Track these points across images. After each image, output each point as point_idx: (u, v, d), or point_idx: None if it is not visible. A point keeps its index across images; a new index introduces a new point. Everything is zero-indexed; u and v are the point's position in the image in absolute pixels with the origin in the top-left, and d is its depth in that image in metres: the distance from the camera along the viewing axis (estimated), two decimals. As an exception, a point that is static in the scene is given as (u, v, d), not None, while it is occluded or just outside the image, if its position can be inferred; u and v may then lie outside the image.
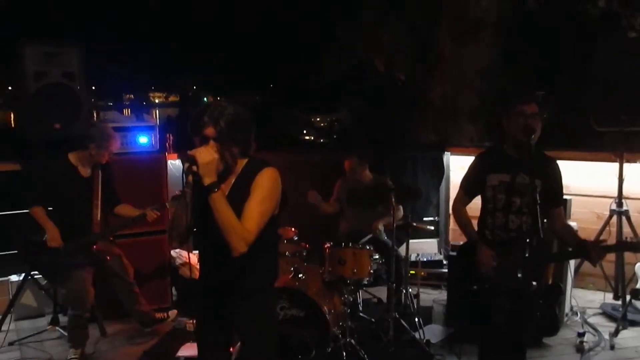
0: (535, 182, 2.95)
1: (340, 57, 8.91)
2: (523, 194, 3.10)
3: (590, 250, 2.93)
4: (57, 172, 4.00)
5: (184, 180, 2.34)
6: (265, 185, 2.44)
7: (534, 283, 2.92)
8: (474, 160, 3.38)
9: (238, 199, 2.42)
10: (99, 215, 4.03)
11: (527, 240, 2.94)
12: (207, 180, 2.30)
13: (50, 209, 4.00)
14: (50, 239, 3.84)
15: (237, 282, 2.51)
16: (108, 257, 4.13)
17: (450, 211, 3.51)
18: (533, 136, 3.01)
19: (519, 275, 2.94)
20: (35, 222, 3.94)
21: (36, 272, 4.70)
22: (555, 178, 3.16)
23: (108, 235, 4.18)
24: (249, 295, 2.54)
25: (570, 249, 3.19)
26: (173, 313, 4.66)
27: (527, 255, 2.93)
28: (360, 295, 4.74)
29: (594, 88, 4.82)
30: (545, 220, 3.06)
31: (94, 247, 4.01)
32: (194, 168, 2.30)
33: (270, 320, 2.68)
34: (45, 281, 4.54)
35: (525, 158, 3.05)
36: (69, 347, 4.06)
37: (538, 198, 2.77)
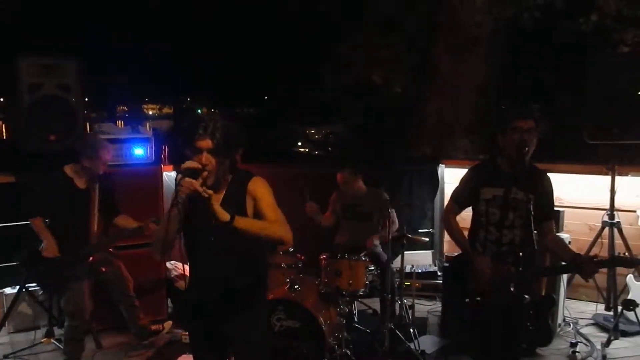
0: (529, 196, 2.96)
1: (337, 71, 8.97)
2: (516, 208, 3.10)
3: (583, 265, 2.92)
4: (53, 184, 4.01)
5: (176, 194, 2.34)
6: (266, 193, 2.53)
7: (527, 297, 2.94)
8: (467, 173, 3.38)
9: (232, 208, 2.44)
10: (95, 227, 4.04)
11: (520, 254, 2.96)
12: (223, 218, 2.31)
13: (49, 220, 3.99)
14: (46, 249, 3.86)
15: (228, 296, 2.52)
16: (103, 269, 4.14)
17: (441, 222, 3.51)
18: (527, 150, 3.00)
19: (512, 289, 2.94)
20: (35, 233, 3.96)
21: (31, 285, 4.69)
22: (546, 192, 3.16)
23: (104, 247, 4.18)
24: (240, 309, 2.56)
25: (562, 264, 3.19)
26: (168, 324, 4.66)
27: (520, 269, 2.94)
28: (356, 307, 4.75)
29: (587, 101, 4.88)
30: (536, 234, 3.06)
31: (91, 258, 4.01)
32: (186, 181, 2.30)
33: (262, 334, 2.68)
34: (41, 293, 4.52)
35: (519, 172, 3.06)
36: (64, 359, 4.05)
37: (532, 211, 2.77)
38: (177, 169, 5.18)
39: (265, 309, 2.79)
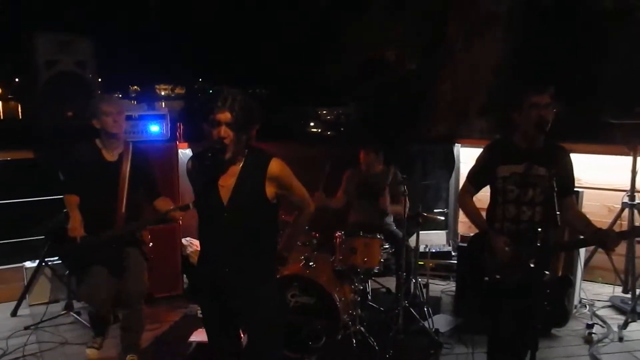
0: (551, 172, 2.89)
1: (351, 49, 8.89)
2: (536, 185, 3.07)
3: (605, 237, 2.90)
4: (82, 156, 3.71)
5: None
6: (288, 176, 2.57)
7: (546, 272, 2.90)
8: (482, 152, 3.33)
9: (248, 188, 2.48)
10: (124, 207, 3.65)
11: (539, 230, 2.89)
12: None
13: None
14: (71, 229, 3.56)
15: (241, 272, 2.53)
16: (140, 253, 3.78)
17: (456, 202, 3.49)
18: (546, 126, 2.98)
19: (531, 265, 2.91)
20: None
21: (51, 259, 4.76)
22: (567, 167, 3.12)
23: (128, 233, 3.68)
24: (252, 284, 2.57)
25: (581, 237, 3.17)
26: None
27: (539, 245, 2.87)
28: (370, 285, 4.77)
29: (608, 81, 4.81)
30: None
31: (114, 244, 3.64)
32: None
33: (274, 309, 2.68)
34: (60, 268, 4.57)
35: (538, 149, 3.06)
36: (91, 334, 4.02)
37: (555, 187, 2.72)
38: (192, 146, 5.23)
39: (278, 284, 2.79)
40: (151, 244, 3.91)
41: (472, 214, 3.31)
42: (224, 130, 2.39)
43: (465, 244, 3.39)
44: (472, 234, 4.71)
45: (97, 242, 3.56)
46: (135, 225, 3.67)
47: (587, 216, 3.16)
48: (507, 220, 3.16)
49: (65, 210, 3.74)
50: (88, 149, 3.71)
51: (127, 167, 3.70)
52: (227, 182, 2.49)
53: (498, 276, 3.10)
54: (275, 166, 2.51)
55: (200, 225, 2.61)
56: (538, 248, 2.84)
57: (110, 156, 3.74)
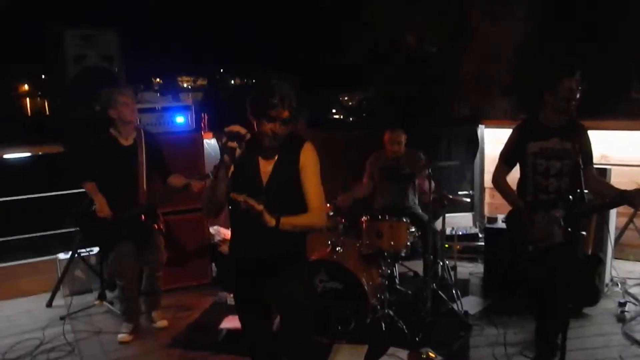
0: (576, 145, 3.16)
1: (370, 34, 8.83)
2: (562, 157, 3.34)
3: (632, 196, 3.06)
4: (99, 144, 4.04)
5: (221, 157, 2.40)
6: (314, 161, 2.59)
7: (583, 233, 3.18)
8: (513, 132, 3.56)
9: (285, 172, 2.55)
10: (145, 185, 4.04)
11: (570, 197, 3.20)
12: (271, 222, 2.39)
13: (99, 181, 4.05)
14: (99, 210, 3.95)
15: (271, 256, 2.57)
16: (156, 226, 4.15)
17: (490, 183, 3.67)
18: (576, 105, 3.25)
19: (569, 229, 3.11)
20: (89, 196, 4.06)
21: (83, 250, 4.88)
22: (588, 140, 3.40)
23: (154, 207, 4.14)
24: (282, 268, 2.60)
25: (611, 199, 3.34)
26: (163, 323, 4.35)
27: (573, 210, 3.13)
28: (397, 270, 4.78)
29: (633, 56, 4.71)
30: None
31: (142, 218, 4.05)
32: (231, 144, 2.36)
33: (305, 292, 2.72)
34: (93, 258, 4.68)
35: (562, 126, 3.35)
36: (122, 320, 4.20)
37: (580, 161, 2.98)
38: (216, 136, 5.28)
39: (307, 268, 2.83)
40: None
41: (507, 192, 3.55)
42: (279, 127, 2.46)
43: (507, 216, 3.63)
44: (498, 215, 4.74)
45: (127, 218, 3.97)
46: (160, 198, 4.11)
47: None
48: (538, 191, 3.42)
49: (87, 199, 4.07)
50: (105, 138, 4.05)
51: (142, 149, 4.08)
52: (267, 167, 2.56)
53: (540, 245, 3.32)
54: (305, 151, 2.57)
55: (236, 210, 2.64)
56: (572, 214, 3.12)
57: (126, 141, 4.08)
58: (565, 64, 3.32)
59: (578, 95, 3.24)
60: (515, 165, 3.56)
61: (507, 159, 3.57)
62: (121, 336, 4.09)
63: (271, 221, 2.39)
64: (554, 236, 3.26)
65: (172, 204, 4.49)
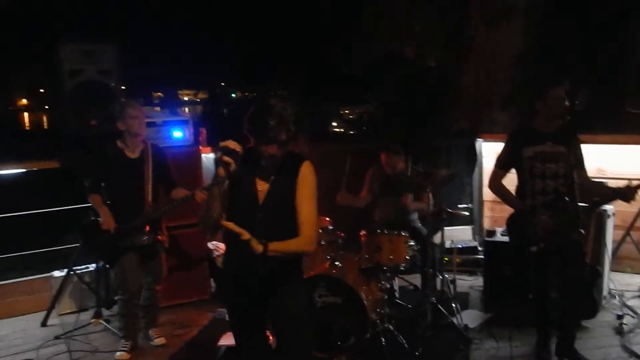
0: (569, 148, 3.48)
1: (369, 47, 8.87)
2: (557, 160, 3.55)
3: (624, 190, 3.39)
4: (106, 155, 4.04)
5: (215, 172, 2.38)
6: (311, 181, 2.57)
7: (582, 231, 3.51)
8: (507, 139, 3.78)
9: (281, 192, 2.53)
10: (150, 197, 4.04)
11: (566, 198, 3.41)
12: (258, 249, 2.35)
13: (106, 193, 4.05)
14: (104, 222, 3.92)
15: (265, 271, 2.54)
16: (159, 238, 4.12)
17: (490, 196, 3.79)
18: (565, 112, 3.53)
19: (569, 227, 3.43)
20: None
21: (79, 267, 4.85)
22: (578, 145, 3.64)
23: (158, 215, 4.09)
24: (278, 283, 2.59)
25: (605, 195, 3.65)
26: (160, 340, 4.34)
27: (571, 209, 3.40)
28: (397, 283, 4.76)
29: (628, 71, 4.75)
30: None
31: (146, 228, 4.02)
32: (226, 158, 2.34)
33: (302, 309, 2.70)
34: (88, 275, 4.64)
35: (555, 131, 3.58)
36: (120, 337, 4.16)
37: (573, 161, 3.36)
38: (215, 150, 5.27)
39: (304, 284, 2.81)
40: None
41: (506, 195, 3.74)
42: (276, 149, 2.45)
43: (509, 220, 3.76)
44: (497, 228, 4.74)
45: (130, 229, 3.96)
46: (164, 208, 4.08)
47: (612, 206, 3.86)
48: (536, 193, 3.59)
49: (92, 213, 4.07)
50: (112, 150, 4.05)
51: (149, 162, 4.09)
52: (263, 186, 2.55)
53: (542, 244, 3.47)
54: (304, 170, 2.56)
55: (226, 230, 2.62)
56: (571, 213, 3.41)
57: (132, 154, 4.08)
58: (554, 74, 3.50)
59: (566, 104, 3.51)
60: (510, 169, 3.74)
61: (502, 164, 3.75)
62: (119, 354, 4.03)
63: (259, 248, 2.36)
64: (556, 235, 3.42)
65: (177, 218, 4.50)
